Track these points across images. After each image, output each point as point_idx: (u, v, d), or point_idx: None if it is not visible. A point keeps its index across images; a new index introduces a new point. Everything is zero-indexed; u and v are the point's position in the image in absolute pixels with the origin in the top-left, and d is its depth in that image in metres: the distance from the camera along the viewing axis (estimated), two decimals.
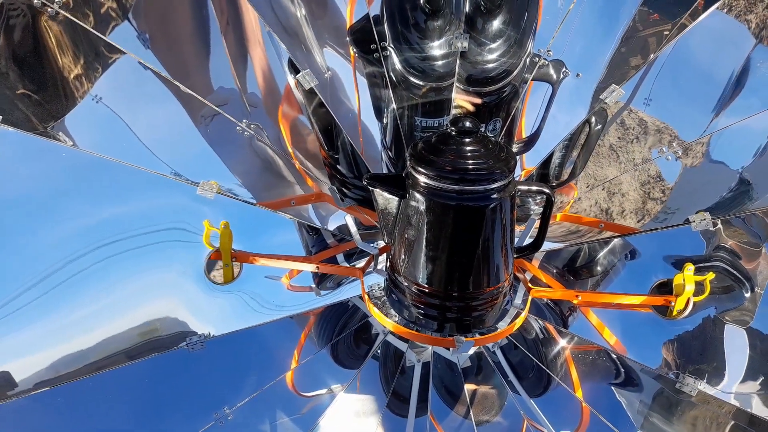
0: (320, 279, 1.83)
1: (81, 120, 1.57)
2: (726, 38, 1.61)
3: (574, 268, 1.86)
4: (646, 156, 1.68)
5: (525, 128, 1.92)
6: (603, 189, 1.79)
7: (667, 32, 1.63)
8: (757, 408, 1.45)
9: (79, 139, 1.55)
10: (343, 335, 1.81)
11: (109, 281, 1.46)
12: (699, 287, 1.48)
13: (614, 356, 1.63)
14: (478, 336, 1.40)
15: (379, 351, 1.77)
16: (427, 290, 1.37)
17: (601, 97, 1.63)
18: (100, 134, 1.60)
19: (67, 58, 1.55)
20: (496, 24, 1.74)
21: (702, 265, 1.58)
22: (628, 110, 1.72)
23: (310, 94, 1.70)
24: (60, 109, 1.54)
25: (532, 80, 1.79)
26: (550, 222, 1.85)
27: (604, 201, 1.81)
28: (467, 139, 1.27)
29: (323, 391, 1.67)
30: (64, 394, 1.32)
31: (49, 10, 1.46)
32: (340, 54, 1.80)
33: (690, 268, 1.45)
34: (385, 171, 1.90)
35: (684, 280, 1.45)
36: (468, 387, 1.67)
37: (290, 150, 1.80)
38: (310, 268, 1.62)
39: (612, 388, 1.64)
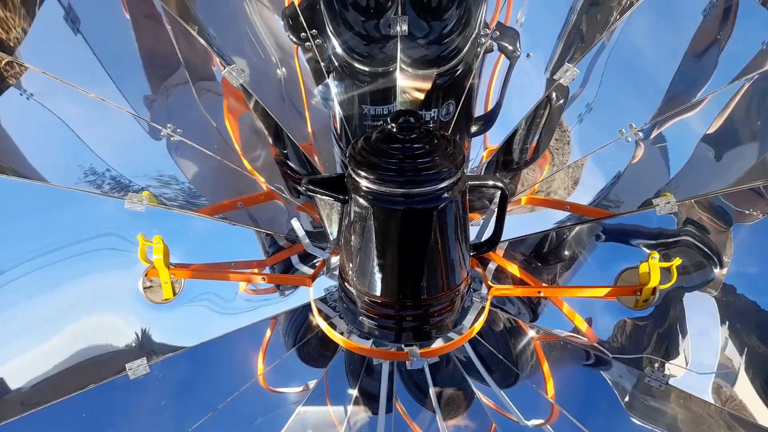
0: None
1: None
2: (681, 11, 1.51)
3: (542, 254, 1.78)
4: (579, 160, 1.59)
5: (487, 105, 1.81)
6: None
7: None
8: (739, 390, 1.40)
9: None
10: (310, 336, 1.73)
11: (37, 311, 1.35)
12: (666, 274, 1.42)
13: (583, 345, 1.57)
14: (434, 346, 1.32)
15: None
16: (379, 300, 1.28)
17: (555, 77, 1.53)
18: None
19: None
20: None
21: (670, 240, 1.51)
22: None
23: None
24: None
25: (487, 53, 1.68)
26: (515, 207, 1.78)
27: None
28: (410, 136, 1.16)
29: (292, 389, 1.60)
30: None
31: None
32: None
33: (655, 256, 1.38)
34: (338, 164, 1.80)
35: (650, 268, 1.38)
36: (435, 388, 1.61)
37: (238, 148, 1.68)
38: (256, 280, 1.52)
39: (587, 370, 1.59)
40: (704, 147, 1.50)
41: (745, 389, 1.38)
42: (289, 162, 1.76)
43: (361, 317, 1.32)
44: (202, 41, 1.50)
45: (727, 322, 1.44)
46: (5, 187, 1.41)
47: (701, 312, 1.49)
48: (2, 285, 1.36)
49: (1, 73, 1.44)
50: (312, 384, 1.58)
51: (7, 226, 1.42)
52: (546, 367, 1.62)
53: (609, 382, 1.53)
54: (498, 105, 1.77)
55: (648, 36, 1.53)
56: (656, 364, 1.44)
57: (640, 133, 1.52)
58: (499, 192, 1.29)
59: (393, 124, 1.16)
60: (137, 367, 1.39)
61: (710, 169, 1.49)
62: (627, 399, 1.49)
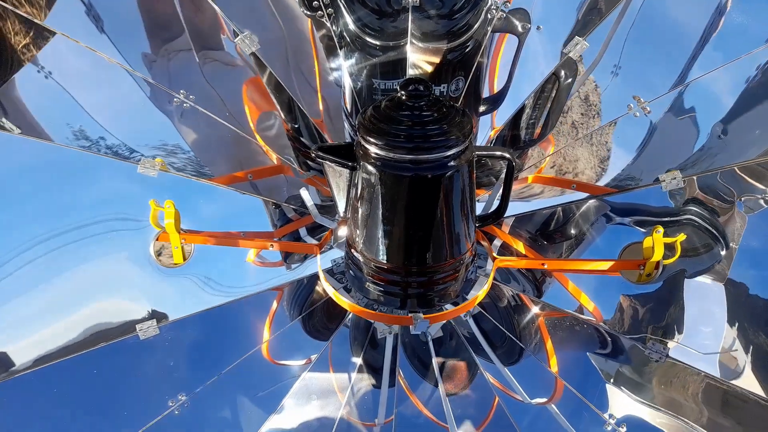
0: (288, 252, 1.75)
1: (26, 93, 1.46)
2: None
3: (548, 233, 1.79)
4: (606, 132, 1.58)
5: (492, 85, 1.81)
6: (553, 168, 1.69)
7: None
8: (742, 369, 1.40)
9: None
10: (315, 307, 1.75)
11: (49, 274, 1.37)
12: (670, 249, 1.42)
13: (586, 323, 1.58)
14: (436, 313, 1.33)
15: (350, 322, 1.72)
16: (385, 267, 1.30)
17: (564, 51, 1.53)
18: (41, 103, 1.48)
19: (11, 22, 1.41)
20: None
21: (673, 219, 1.51)
22: (594, 86, 1.61)
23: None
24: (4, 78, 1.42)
25: (496, 32, 1.68)
26: (522, 184, 1.78)
27: None
28: (419, 104, 1.17)
29: (295, 362, 1.62)
30: (5, 389, 1.25)
31: None
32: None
33: (659, 230, 1.38)
34: (348, 139, 1.81)
35: (653, 243, 1.38)
36: (438, 359, 1.63)
37: (252, 126, 1.69)
38: (264, 246, 1.54)
39: (588, 354, 1.60)
40: (716, 124, 1.48)
41: (745, 368, 1.39)
42: (301, 138, 1.78)
43: (367, 283, 1.34)
44: (216, 8, 1.51)
45: (732, 301, 1.44)
46: (18, 146, 1.43)
47: (705, 292, 1.49)
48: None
49: (18, 55, 1.46)
50: (314, 357, 1.60)
51: (15, 188, 1.45)
52: (549, 344, 1.63)
53: (610, 360, 1.54)
54: (507, 85, 1.77)
55: (667, 9, 1.50)
56: (657, 342, 1.44)
57: (648, 107, 1.52)
58: (506, 164, 1.30)
59: (402, 92, 1.18)
60: (147, 328, 1.42)
61: (719, 146, 1.47)
62: (614, 376, 1.50)
